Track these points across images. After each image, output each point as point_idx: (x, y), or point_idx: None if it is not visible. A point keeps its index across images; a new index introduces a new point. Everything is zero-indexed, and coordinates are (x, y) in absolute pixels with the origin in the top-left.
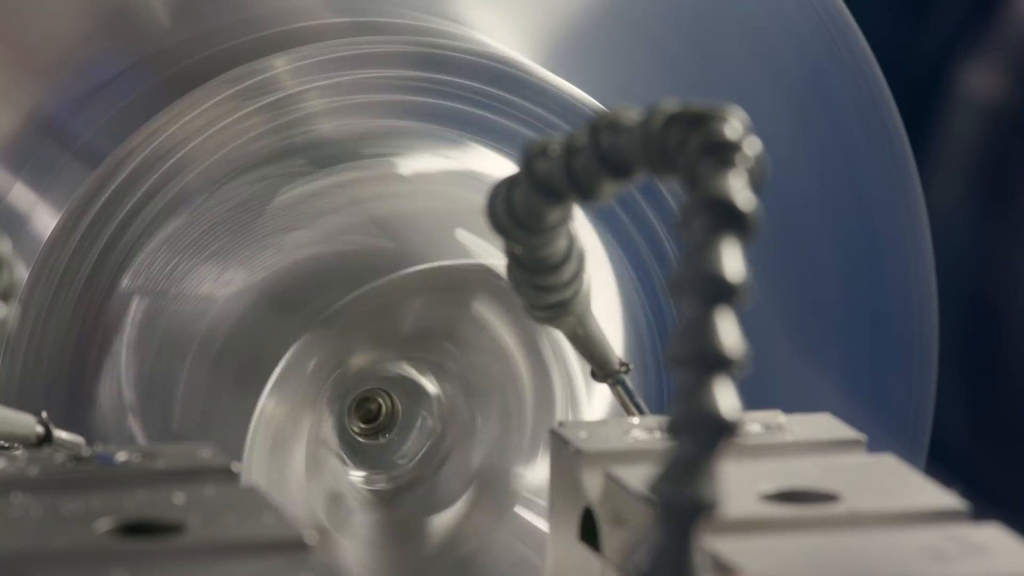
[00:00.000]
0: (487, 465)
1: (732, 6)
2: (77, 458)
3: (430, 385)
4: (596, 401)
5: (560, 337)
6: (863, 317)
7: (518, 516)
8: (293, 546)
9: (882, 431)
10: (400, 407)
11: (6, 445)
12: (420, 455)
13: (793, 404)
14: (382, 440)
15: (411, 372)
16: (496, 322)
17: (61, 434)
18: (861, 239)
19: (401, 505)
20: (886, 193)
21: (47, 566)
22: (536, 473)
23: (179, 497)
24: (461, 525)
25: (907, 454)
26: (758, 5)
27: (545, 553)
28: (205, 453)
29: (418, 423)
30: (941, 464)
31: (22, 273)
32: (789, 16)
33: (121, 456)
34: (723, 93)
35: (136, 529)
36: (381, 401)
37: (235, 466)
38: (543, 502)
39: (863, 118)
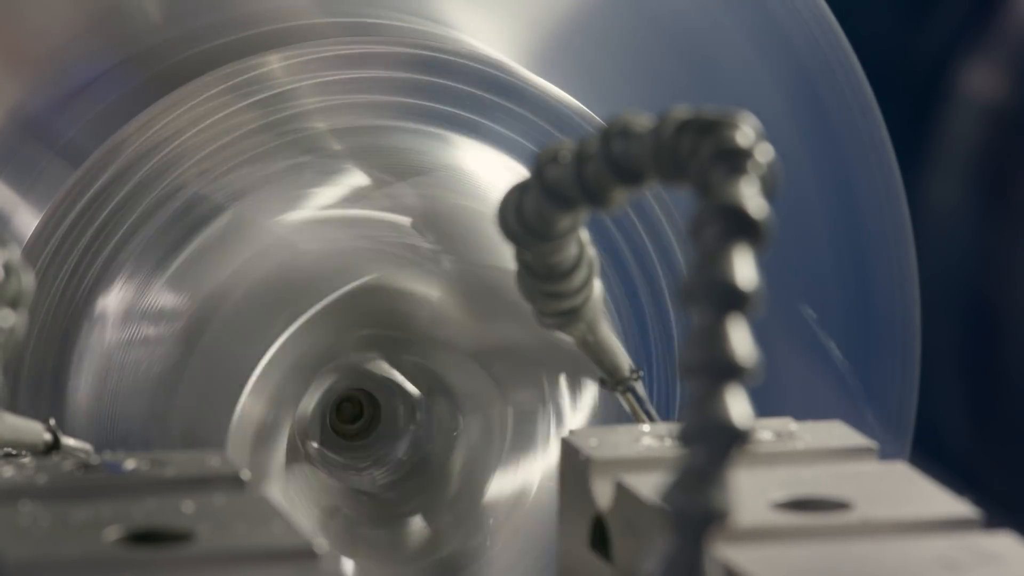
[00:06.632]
0: (469, 467)
1: (719, 12)
2: (85, 466)
3: (412, 387)
4: (580, 403)
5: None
6: (850, 316)
7: (502, 517)
8: (302, 555)
9: (868, 426)
10: (382, 409)
11: (14, 453)
12: (402, 456)
13: (780, 397)
14: (364, 441)
15: (393, 374)
16: (479, 324)
17: (69, 441)
18: (849, 240)
19: (383, 505)
20: (872, 196)
21: (56, 575)
22: (517, 476)
23: (188, 505)
24: (443, 526)
25: (894, 449)
26: (745, 11)
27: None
28: (214, 461)
29: (400, 424)
30: (939, 463)
31: (31, 280)
32: (776, 22)
33: (129, 464)
34: (711, 96)
35: (145, 538)
36: (363, 403)
37: (244, 474)
38: (528, 503)
39: (851, 123)
